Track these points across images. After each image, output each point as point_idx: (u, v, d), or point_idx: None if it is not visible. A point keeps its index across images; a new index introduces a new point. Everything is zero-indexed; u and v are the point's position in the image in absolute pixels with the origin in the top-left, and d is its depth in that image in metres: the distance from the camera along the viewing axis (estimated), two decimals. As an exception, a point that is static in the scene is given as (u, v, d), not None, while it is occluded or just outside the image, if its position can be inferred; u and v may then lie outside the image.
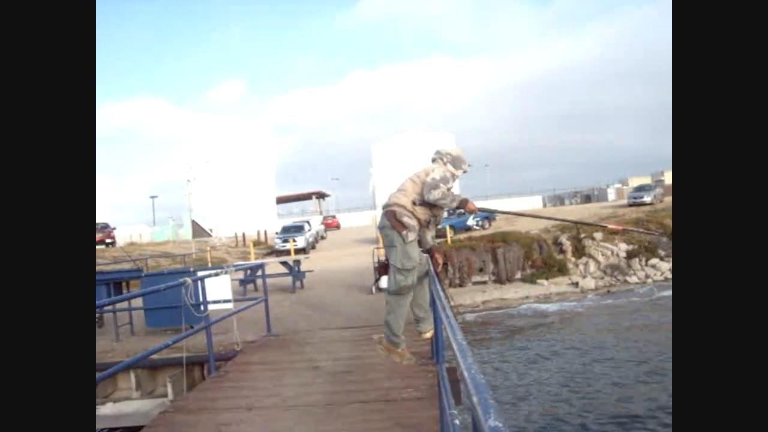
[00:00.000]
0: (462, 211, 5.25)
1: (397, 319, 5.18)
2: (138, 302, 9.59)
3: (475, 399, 1.20)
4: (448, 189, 4.90)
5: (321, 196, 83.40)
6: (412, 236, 4.96)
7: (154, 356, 6.32)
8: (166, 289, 5.68)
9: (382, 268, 11.69)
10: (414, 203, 4.99)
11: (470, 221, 5.38)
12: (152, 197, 70.26)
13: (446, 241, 24.81)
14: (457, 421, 2.60)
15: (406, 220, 4.96)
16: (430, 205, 5.00)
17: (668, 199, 39.53)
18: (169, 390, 7.12)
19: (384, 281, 11.44)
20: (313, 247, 37.35)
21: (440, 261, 4.95)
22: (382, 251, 12.38)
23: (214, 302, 7.03)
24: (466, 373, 1.38)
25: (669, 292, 20.61)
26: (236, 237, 44.05)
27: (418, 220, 5.03)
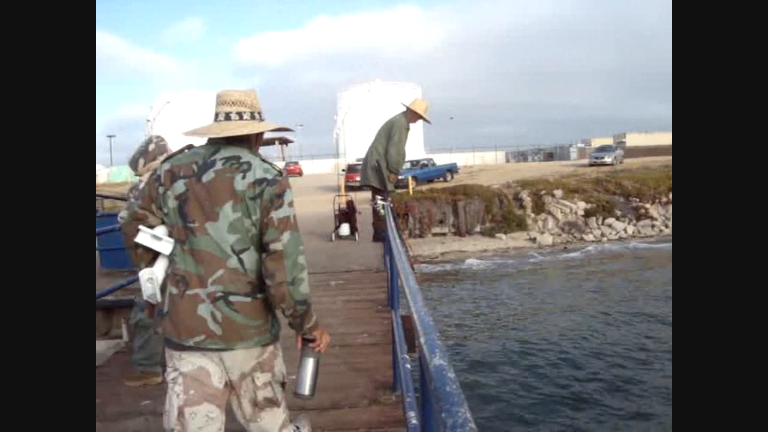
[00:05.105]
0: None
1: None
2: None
3: (422, 339, 1.22)
4: None
5: (284, 142, 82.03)
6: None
7: (109, 297, 6.25)
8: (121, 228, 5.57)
9: (343, 216, 11.72)
10: None
11: None
12: (109, 137, 68.37)
13: (408, 191, 24.88)
14: (408, 365, 2.66)
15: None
16: None
17: (628, 161, 40.29)
18: (124, 331, 7.06)
19: (344, 229, 11.47)
20: (275, 194, 36.95)
21: None
22: (344, 199, 12.37)
23: (172, 244, 6.92)
24: (415, 315, 1.40)
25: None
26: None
27: None
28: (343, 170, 33.74)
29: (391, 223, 4.57)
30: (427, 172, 33.77)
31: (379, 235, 8.75)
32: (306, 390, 2.39)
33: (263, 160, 2.24)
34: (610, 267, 19.22)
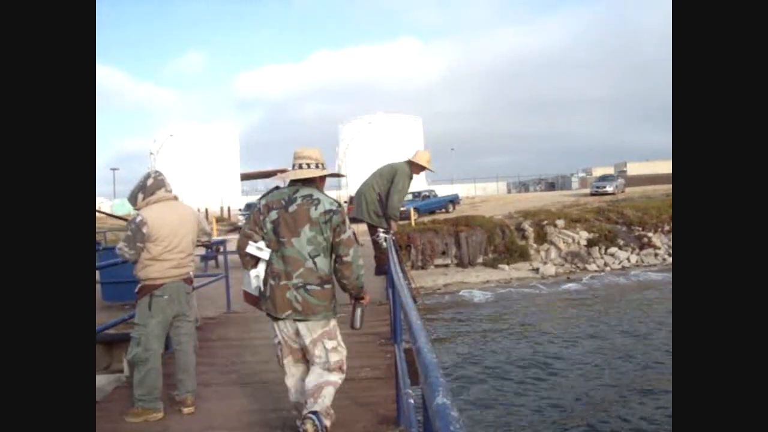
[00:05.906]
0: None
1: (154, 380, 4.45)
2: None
3: (425, 378, 1.21)
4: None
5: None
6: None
7: (110, 331, 6.21)
8: (124, 262, 5.57)
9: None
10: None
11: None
12: (113, 169, 68.84)
13: (410, 223, 24.88)
14: (411, 400, 2.63)
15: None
16: None
17: (629, 190, 40.37)
18: (125, 365, 7.00)
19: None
20: (277, 225, 37.03)
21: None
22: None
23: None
24: (418, 353, 1.39)
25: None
26: (199, 212, 43.43)
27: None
28: (346, 202, 33.80)
29: (393, 256, 4.55)
30: (429, 204, 33.80)
31: (381, 268, 8.71)
32: (357, 324, 3.74)
33: (327, 196, 3.53)
34: (612, 295, 19.15)
